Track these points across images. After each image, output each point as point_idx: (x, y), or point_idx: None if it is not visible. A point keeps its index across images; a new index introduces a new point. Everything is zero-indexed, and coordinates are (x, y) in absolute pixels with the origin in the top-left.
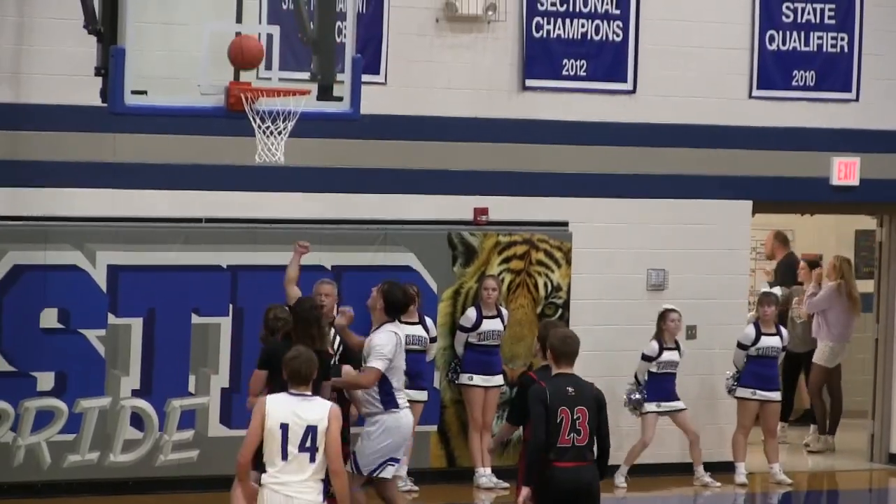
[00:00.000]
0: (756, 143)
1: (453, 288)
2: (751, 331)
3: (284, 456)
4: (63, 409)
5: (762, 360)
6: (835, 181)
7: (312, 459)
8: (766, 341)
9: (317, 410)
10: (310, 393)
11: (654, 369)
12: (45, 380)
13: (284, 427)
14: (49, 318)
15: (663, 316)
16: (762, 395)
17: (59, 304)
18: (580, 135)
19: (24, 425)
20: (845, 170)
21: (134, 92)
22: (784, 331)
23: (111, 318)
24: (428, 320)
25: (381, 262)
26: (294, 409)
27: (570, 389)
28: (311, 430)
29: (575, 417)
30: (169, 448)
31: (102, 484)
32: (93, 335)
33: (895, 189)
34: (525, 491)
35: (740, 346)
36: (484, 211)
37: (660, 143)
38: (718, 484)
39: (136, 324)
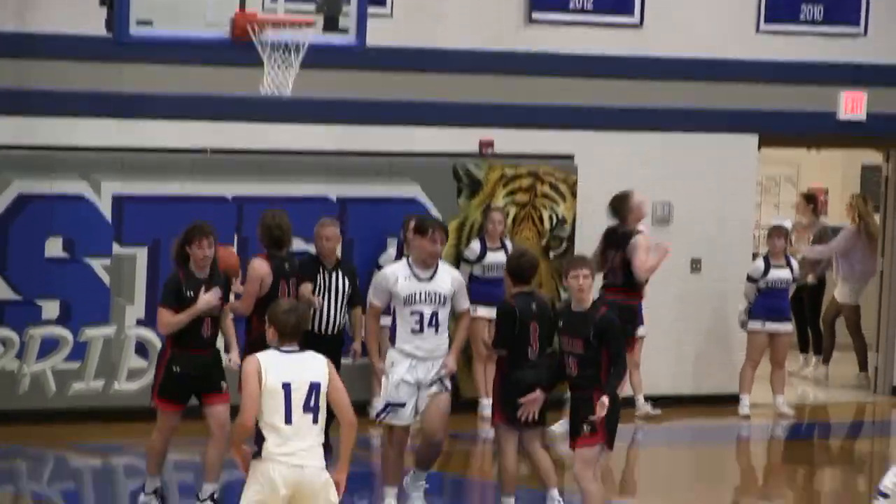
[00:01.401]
0: (763, 77)
1: (458, 220)
2: (760, 263)
3: (289, 419)
4: (68, 337)
5: (772, 293)
6: (842, 115)
7: (315, 421)
8: (775, 274)
9: (315, 366)
10: (300, 348)
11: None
12: (51, 308)
13: (287, 387)
14: (54, 247)
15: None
16: (772, 326)
17: (65, 234)
18: (586, 68)
19: (30, 353)
20: (852, 103)
21: (139, 22)
22: (794, 263)
23: (116, 248)
24: None
25: (385, 193)
26: (292, 367)
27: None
28: (314, 388)
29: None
30: None
31: (107, 411)
32: (98, 264)
33: None
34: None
35: (750, 279)
36: (489, 143)
37: (666, 76)
38: None
39: (142, 253)
